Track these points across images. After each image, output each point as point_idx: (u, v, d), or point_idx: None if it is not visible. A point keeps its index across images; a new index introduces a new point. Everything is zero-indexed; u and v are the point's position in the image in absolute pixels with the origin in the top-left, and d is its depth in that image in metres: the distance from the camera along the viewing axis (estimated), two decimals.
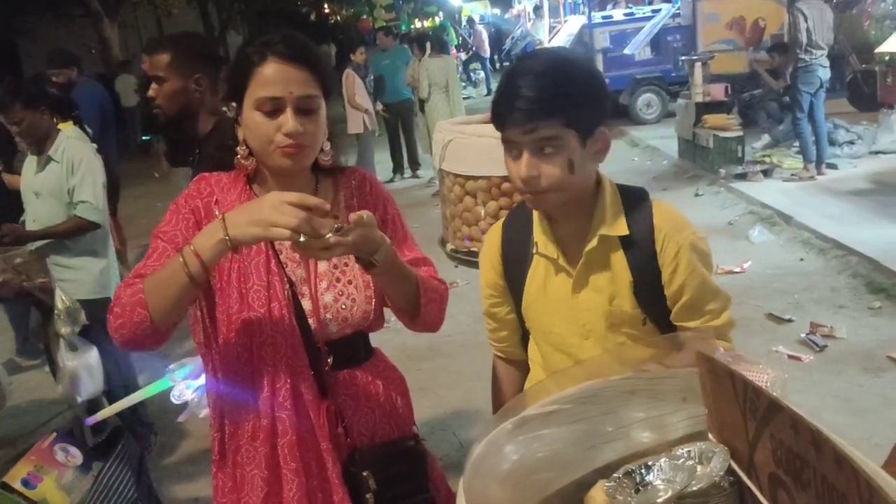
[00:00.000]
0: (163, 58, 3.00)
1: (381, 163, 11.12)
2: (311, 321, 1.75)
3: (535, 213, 1.82)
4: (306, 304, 1.75)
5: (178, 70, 2.98)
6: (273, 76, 1.64)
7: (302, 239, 1.46)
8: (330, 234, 1.48)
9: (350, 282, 1.79)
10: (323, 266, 1.78)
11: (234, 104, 1.73)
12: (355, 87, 9.89)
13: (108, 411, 3.15)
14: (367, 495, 1.76)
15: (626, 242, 1.74)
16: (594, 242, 1.73)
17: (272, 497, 1.74)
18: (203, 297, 1.75)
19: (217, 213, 1.70)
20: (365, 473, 1.77)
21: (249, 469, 1.76)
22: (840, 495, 0.96)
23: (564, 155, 1.62)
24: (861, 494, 0.92)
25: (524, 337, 2.00)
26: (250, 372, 1.73)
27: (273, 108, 1.64)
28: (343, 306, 1.77)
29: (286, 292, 1.72)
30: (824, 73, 8.34)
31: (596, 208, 1.75)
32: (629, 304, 1.75)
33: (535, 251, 1.82)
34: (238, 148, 1.75)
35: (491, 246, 1.95)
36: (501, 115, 1.65)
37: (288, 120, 1.63)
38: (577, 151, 1.64)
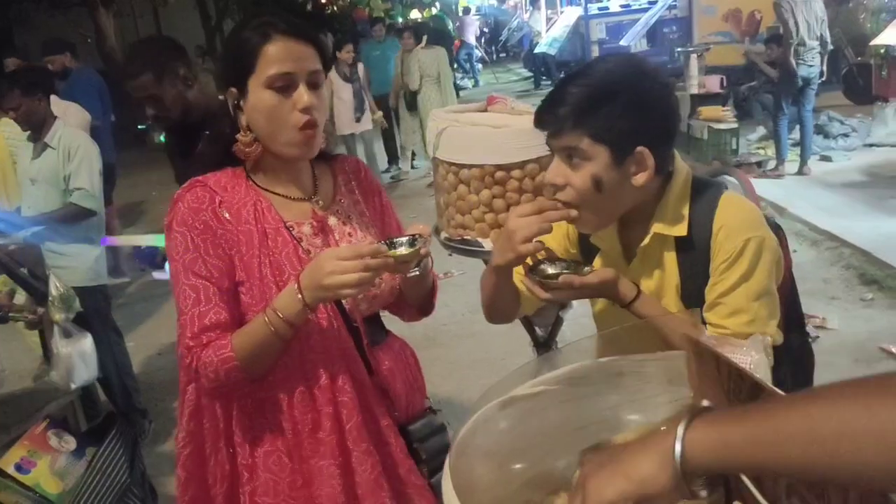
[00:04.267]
0: (146, 78, 2.96)
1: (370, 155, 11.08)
2: (343, 301, 1.74)
3: None
4: None
5: (165, 80, 2.96)
6: (282, 53, 1.62)
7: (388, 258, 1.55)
8: (412, 249, 1.58)
9: None
10: (344, 246, 1.75)
11: (233, 90, 1.69)
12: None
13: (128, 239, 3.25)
14: (422, 467, 1.83)
15: (681, 242, 1.65)
16: (648, 239, 1.65)
17: (347, 485, 1.72)
18: (225, 300, 1.67)
19: (227, 215, 1.68)
20: (416, 446, 1.83)
21: (316, 461, 1.71)
22: None
23: (588, 170, 1.54)
24: None
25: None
26: (300, 363, 1.70)
27: (286, 85, 1.62)
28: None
29: None
30: (808, 71, 8.11)
31: (659, 203, 1.64)
32: (675, 306, 1.67)
33: (591, 238, 1.75)
34: (239, 135, 1.70)
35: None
36: (537, 114, 1.61)
37: (303, 95, 1.62)
38: (609, 170, 1.54)
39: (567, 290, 1.60)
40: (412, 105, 10.22)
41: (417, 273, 1.68)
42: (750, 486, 1.17)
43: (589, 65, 1.63)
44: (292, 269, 1.66)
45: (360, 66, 9.67)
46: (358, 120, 9.61)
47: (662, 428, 0.97)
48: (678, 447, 0.92)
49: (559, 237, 1.84)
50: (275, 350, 1.62)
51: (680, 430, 0.92)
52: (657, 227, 1.64)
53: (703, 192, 1.66)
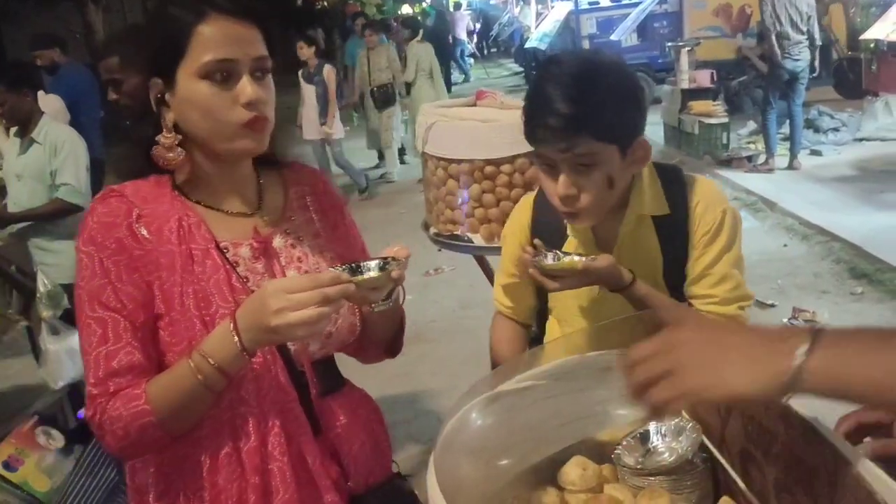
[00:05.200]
0: (111, 60, 2.96)
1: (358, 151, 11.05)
2: (288, 342, 1.42)
3: None
4: None
5: (131, 67, 2.94)
6: (221, 35, 1.33)
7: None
8: (381, 274, 1.32)
9: None
10: (291, 273, 1.46)
11: (157, 80, 1.37)
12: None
13: None
14: None
15: (659, 223, 1.69)
16: (630, 224, 1.68)
17: None
18: (139, 338, 1.35)
19: (145, 233, 1.36)
20: None
21: None
22: (808, 468, 0.97)
23: (603, 171, 1.53)
24: (827, 466, 0.93)
25: (538, 310, 1.93)
26: (230, 418, 1.36)
27: (227, 75, 1.33)
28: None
29: None
30: (794, 65, 8.09)
31: (633, 190, 1.66)
32: (658, 286, 1.69)
33: (567, 232, 1.75)
34: (161, 136, 1.38)
35: (520, 221, 1.87)
36: (534, 130, 1.55)
37: (247, 87, 1.34)
38: (617, 165, 1.55)
39: (575, 277, 1.58)
40: (386, 102, 10.02)
41: (387, 306, 1.41)
42: (738, 482, 1.17)
43: (559, 68, 1.55)
44: (222, 301, 1.35)
45: (327, 68, 9.04)
46: (323, 124, 9.11)
47: (773, 338, 0.92)
48: (795, 376, 0.88)
49: (513, 244, 1.86)
50: (203, 403, 1.31)
51: (799, 356, 0.88)
52: (638, 210, 1.68)
53: (667, 174, 1.73)
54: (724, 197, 1.74)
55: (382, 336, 1.61)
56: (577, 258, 1.58)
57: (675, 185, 1.71)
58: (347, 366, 1.70)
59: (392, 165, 10.65)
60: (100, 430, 1.32)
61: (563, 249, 1.71)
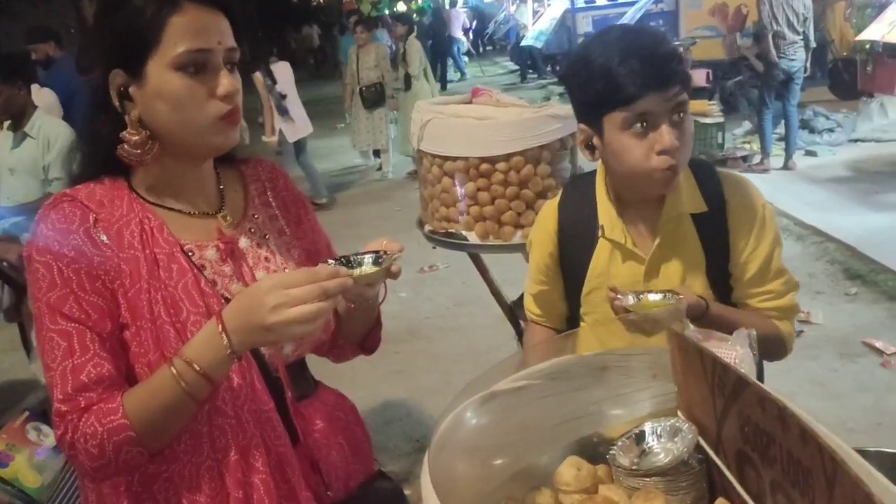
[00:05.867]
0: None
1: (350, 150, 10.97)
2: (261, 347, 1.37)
3: (599, 194, 1.71)
4: None
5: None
6: (195, 24, 1.27)
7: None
8: (377, 268, 1.29)
9: None
10: (261, 275, 1.40)
11: (120, 72, 1.30)
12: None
13: None
14: None
15: (698, 220, 1.67)
16: (670, 223, 1.65)
17: None
18: (107, 349, 1.27)
19: (104, 238, 1.29)
20: None
21: None
22: (805, 470, 0.96)
23: (687, 120, 1.54)
24: (825, 469, 0.91)
25: (568, 317, 1.89)
26: (208, 430, 1.30)
27: (201, 66, 1.28)
28: None
29: None
30: (790, 65, 8.09)
31: None
32: (701, 285, 1.67)
33: (601, 234, 1.70)
34: (128, 133, 1.30)
35: (546, 227, 1.82)
36: (631, 87, 1.47)
37: (223, 79, 1.29)
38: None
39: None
40: (375, 102, 9.86)
41: (373, 300, 1.40)
42: (734, 482, 1.16)
43: (619, 35, 1.56)
44: (192, 306, 1.29)
45: (281, 65, 8.75)
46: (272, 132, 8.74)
47: None
48: None
49: (541, 251, 1.84)
50: (184, 415, 1.24)
51: None
52: (676, 208, 1.65)
53: (700, 169, 1.70)
54: (759, 192, 1.73)
55: (358, 333, 1.57)
56: (654, 297, 1.52)
57: (709, 181, 1.69)
58: (342, 365, 1.69)
59: (387, 164, 10.58)
60: (72, 449, 1.23)
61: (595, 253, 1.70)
